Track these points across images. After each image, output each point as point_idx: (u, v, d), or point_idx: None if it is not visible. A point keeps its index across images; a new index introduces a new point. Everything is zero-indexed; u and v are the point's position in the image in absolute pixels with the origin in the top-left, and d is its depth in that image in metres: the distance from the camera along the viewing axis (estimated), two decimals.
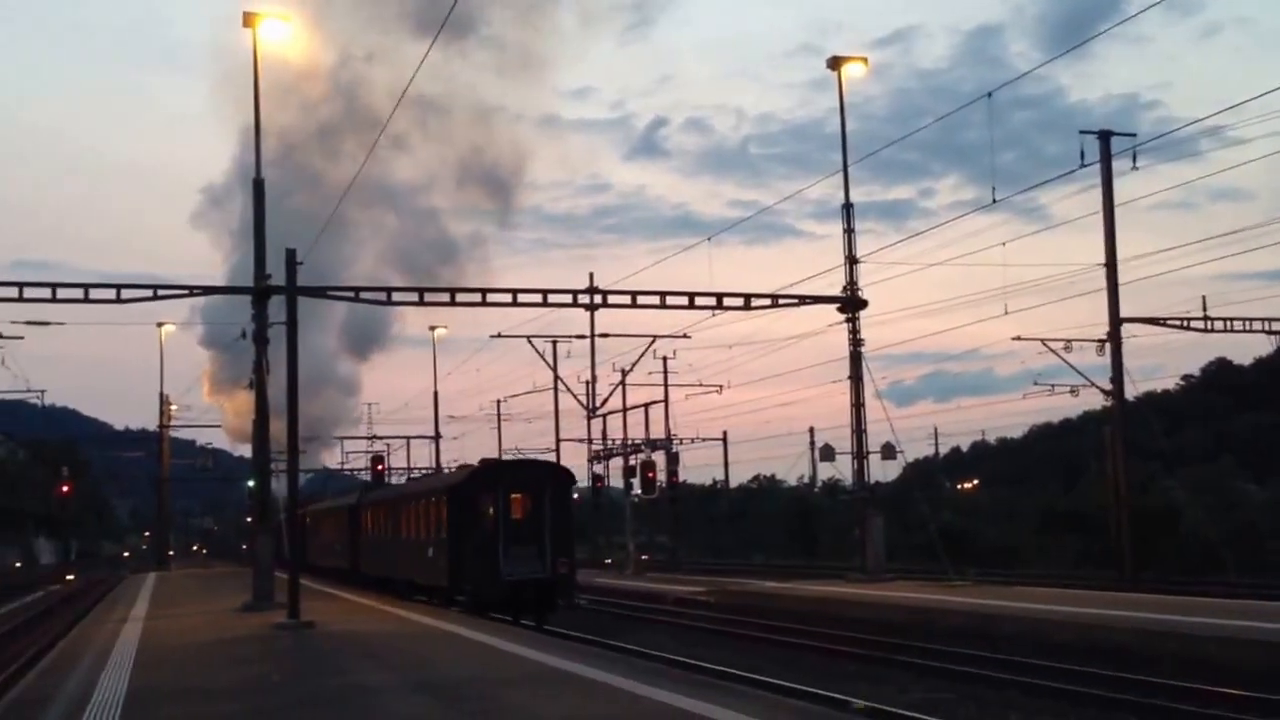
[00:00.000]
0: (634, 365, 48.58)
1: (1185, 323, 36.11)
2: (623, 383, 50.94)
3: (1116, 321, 34.31)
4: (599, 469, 55.95)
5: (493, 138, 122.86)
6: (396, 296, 33.29)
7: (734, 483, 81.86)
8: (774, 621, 26.30)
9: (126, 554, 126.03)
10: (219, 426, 78.40)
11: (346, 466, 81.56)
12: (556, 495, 27.19)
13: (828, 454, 46.03)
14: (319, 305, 33.01)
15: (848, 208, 34.04)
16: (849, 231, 33.81)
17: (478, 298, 31.71)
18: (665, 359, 53.66)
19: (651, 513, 62.70)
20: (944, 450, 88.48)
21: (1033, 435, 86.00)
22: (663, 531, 65.91)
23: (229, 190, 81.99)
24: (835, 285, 33.89)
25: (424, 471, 65.40)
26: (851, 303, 33.51)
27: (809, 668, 19.32)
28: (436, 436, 68.17)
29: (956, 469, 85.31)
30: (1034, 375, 41.73)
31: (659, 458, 49.17)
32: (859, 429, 34.07)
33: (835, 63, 33.84)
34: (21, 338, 39.25)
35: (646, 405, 53.70)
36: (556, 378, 50.57)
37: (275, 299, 26.64)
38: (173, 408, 70.88)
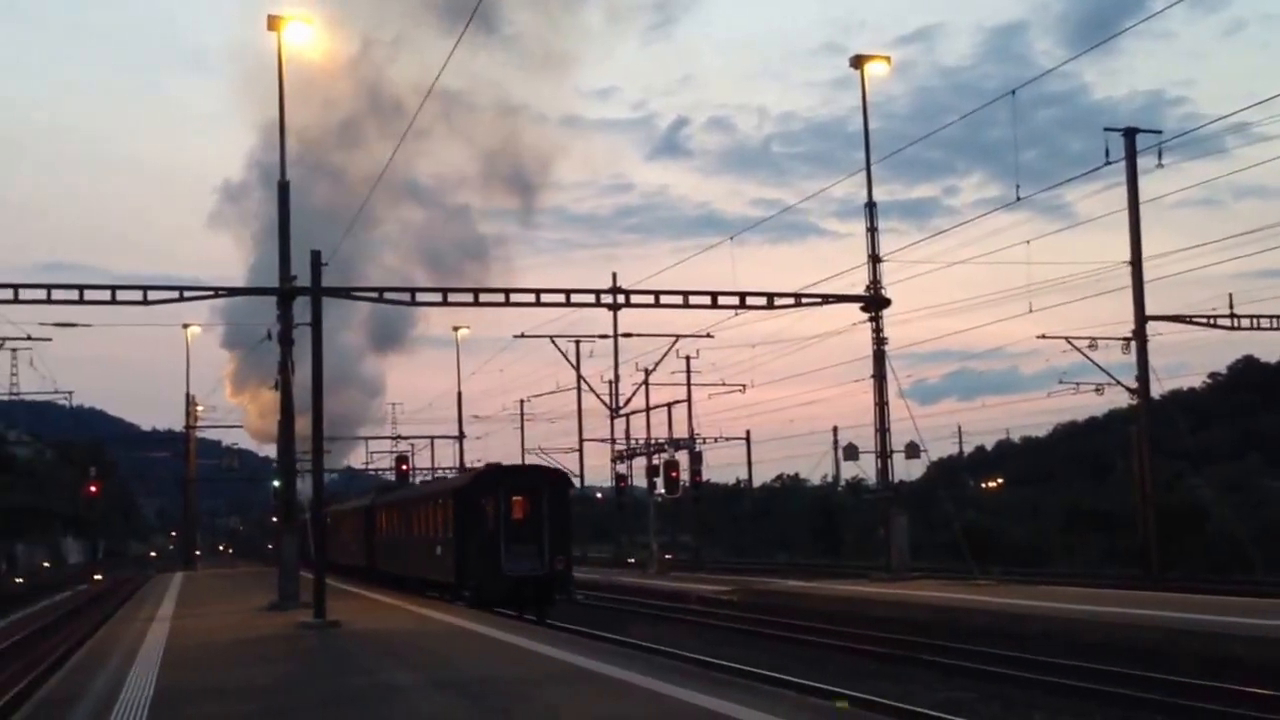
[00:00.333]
0: (657, 365, 48.80)
1: (1211, 320, 35.88)
2: (646, 382, 51.17)
3: (1142, 319, 34.19)
4: (622, 469, 56.07)
5: (517, 137, 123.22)
6: (421, 297, 33.37)
7: (757, 482, 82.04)
8: (798, 621, 26.33)
9: (153, 554, 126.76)
10: (241, 427, 78.83)
11: (371, 466, 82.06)
12: (554, 497, 28.61)
13: (851, 453, 45.89)
14: (341, 301, 33.16)
15: (871, 206, 34.07)
16: (872, 230, 33.82)
17: (501, 298, 31.87)
18: (688, 358, 53.86)
19: (675, 512, 62.68)
20: (968, 449, 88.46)
21: (1058, 434, 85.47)
22: (686, 531, 66.02)
23: (245, 187, 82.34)
24: (858, 284, 34.01)
25: (448, 472, 65.64)
26: (875, 301, 33.48)
27: (834, 667, 19.31)
28: (460, 436, 68.42)
29: (981, 468, 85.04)
30: (1059, 374, 41.65)
31: (682, 457, 49.13)
32: (883, 428, 34.02)
33: (858, 61, 33.80)
34: (50, 339, 39.60)
35: (669, 405, 53.69)
36: (580, 377, 50.70)
37: (299, 299, 26.82)
38: (199, 408, 71.40)
